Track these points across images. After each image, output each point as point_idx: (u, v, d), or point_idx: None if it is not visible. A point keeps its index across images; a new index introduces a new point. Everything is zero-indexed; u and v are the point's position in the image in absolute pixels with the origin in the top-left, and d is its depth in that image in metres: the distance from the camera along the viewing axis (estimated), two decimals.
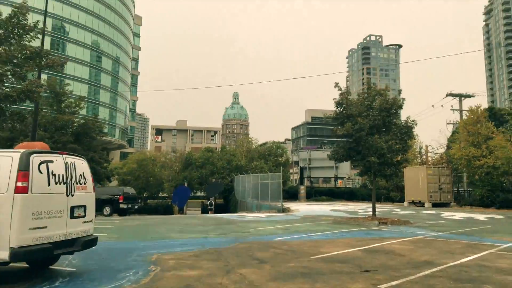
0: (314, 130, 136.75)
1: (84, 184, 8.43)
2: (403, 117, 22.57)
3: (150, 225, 19.19)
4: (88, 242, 8.40)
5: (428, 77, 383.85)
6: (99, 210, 32.18)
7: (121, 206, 31.65)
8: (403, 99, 20.35)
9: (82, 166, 8.55)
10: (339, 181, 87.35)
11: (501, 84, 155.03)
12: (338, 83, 21.57)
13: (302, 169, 55.16)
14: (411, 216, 24.71)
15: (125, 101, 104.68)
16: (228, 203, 50.92)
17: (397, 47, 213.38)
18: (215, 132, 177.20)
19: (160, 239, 13.71)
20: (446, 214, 26.44)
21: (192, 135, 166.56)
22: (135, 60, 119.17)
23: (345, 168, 53.41)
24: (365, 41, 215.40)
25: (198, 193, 60.49)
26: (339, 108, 20.62)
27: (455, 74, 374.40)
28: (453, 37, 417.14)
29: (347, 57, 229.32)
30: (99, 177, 38.22)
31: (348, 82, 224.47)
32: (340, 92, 21.04)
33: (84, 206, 8.36)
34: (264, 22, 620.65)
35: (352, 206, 38.66)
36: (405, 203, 40.20)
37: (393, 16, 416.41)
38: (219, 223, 19.90)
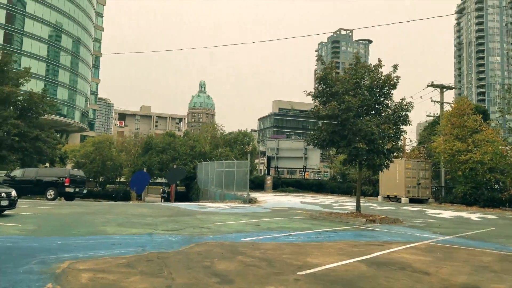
0: (281, 121, 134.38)
1: None
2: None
3: (88, 214, 15.55)
4: None
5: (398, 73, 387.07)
6: (42, 193, 28.26)
7: (67, 189, 27.68)
8: (398, 77, 17.31)
9: None
10: (305, 172, 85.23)
11: (469, 83, 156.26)
12: (321, 56, 18.68)
13: (269, 159, 52.09)
14: (393, 212, 22.00)
15: (86, 83, 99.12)
16: (189, 191, 47.42)
17: (367, 42, 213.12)
18: (180, 120, 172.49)
19: (88, 235, 10.20)
20: (431, 211, 23.91)
21: (157, 122, 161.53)
22: (98, 41, 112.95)
23: (315, 159, 50.78)
24: (335, 35, 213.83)
25: (159, 180, 56.65)
26: (322, 85, 17.48)
27: (424, 73, 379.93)
28: (425, 35, 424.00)
29: (316, 50, 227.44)
30: (46, 157, 33.93)
31: (316, 75, 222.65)
32: (323, 66, 17.94)
33: None
34: (231, 8, 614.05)
35: (323, 198, 35.98)
36: (379, 198, 37.82)
37: (364, 10, 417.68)
38: (174, 215, 16.48)
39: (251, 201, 27.36)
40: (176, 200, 46.45)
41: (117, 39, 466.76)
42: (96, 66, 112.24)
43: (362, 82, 17.62)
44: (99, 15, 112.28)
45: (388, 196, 37.13)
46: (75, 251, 7.99)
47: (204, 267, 6.99)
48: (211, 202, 28.86)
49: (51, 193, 27.52)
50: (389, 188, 36.65)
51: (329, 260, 7.91)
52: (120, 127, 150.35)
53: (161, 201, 48.86)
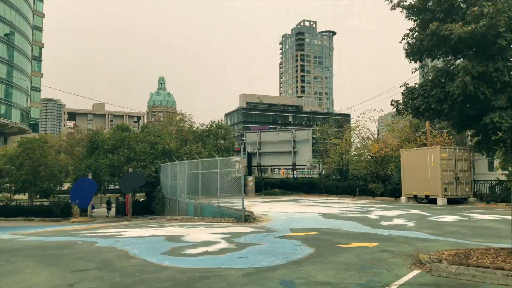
0: (250, 116, 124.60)
1: None
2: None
3: None
4: None
5: (362, 66, 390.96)
6: None
7: None
8: None
9: None
10: (281, 170, 75.61)
11: None
12: None
13: (250, 155, 42.34)
14: (470, 228, 12.69)
15: (26, 77, 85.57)
16: (151, 200, 36.89)
17: (331, 34, 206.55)
18: (139, 118, 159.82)
19: None
20: None
21: (112, 121, 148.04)
22: (39, 29, 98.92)
23: (306, 153, 41.43)
24: (299, 27, 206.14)
25: (112, 186, 45.73)
26: None
27: (387, 65, 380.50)
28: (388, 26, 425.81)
29: (280, 43, 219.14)
30: None
31: (281, 69, 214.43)
32: None
33: None
34: (193, 2, 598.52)
35: (334, 205, 26.46)
36: (403, 199, 28.92)
37: (327, 2, 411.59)
38: None
39: (248, 218, 17.62)
40: (135, 213, 35.86)
41: (63, 30, 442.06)
42: (37, 58, 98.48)
43: None
44: None
45: (415, 196, 28.32)
46: None
47: None
48: (186, 223, 18.85)
49: None
50: (417, 185, 27.84)
51: None
52: (71, 128, 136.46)
53: (107, 215, 38.57)
